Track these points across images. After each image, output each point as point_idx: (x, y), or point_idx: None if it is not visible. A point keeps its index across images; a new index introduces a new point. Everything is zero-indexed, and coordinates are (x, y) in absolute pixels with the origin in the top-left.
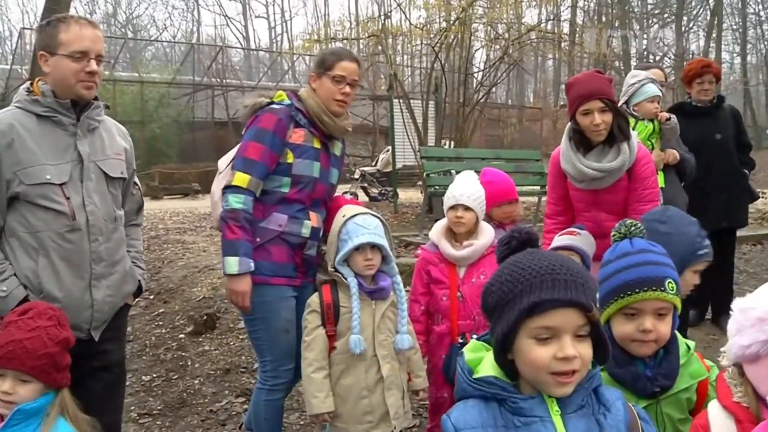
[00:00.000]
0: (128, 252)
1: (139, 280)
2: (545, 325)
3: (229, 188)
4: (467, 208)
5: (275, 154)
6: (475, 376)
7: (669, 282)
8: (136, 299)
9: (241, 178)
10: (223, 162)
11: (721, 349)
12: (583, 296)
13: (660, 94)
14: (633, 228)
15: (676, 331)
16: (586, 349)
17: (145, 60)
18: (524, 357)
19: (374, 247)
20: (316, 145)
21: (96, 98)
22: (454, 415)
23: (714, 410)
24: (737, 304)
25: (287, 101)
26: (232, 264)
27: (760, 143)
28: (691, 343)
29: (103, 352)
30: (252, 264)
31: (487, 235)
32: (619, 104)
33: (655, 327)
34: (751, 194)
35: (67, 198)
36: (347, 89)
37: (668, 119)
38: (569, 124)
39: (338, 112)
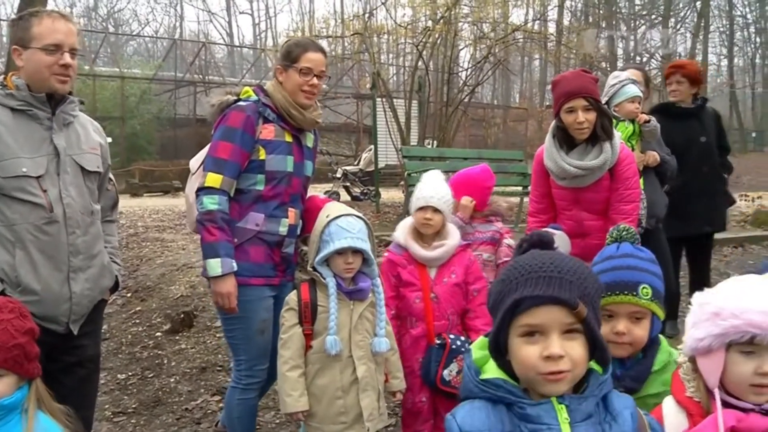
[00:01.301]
0: (105, 248)
1: (116, 276)
2: (529, 323)
3: (202, 190)
4: (436, 210)
5: (246, 151)
6: (483, 377)
7: (643, 287)
8: (113, 295)
9: (214, 179)
10: (195, 162)
11: (679, 346)
12: (566, 293)
13: (640, 94)
14: (624, 233)
15: (663, 338)
16: (576, 348)
17: (127, 55)
18: (515, 356)
19: (356, 250)
20: (288, 139)
21: (71, 93)
22: (460, 416)
23: (668, 405)
24: (696, 298)
25: (254, 97)
26: (215, 266)
27: (746, 146)
28: (675, 354)
29: (79, 346)
30: (234, 264)
31: (455, 235)
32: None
33: (629, 330)
34: (729, 198)
35: (44, 191)
36: (314, 81)
37: (648, 121)
38: (554, 121)
39: (306, 105)
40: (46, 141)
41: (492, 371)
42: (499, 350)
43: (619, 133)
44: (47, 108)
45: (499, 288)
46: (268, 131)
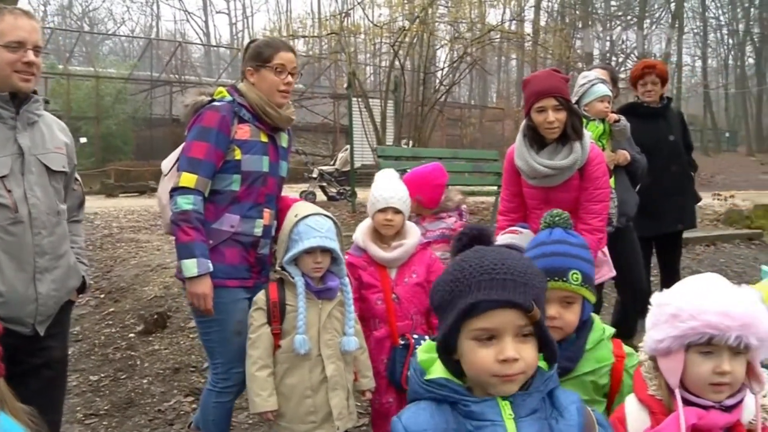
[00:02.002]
0: (72, 248)
1: (83, 277)
2: (484, 326)
3: (176, 190)
4: (397, 211)
5: (221, 151)
6: (427, 377)
7: (574, 273)
8: (85, 296)
9: (188, 179)
10: (167, 164)
11: (639, 344)
12: (522, 296)
13: (610, 94)
14: (557, 218)
15: (596, 317)
16: (528, 351)
17: (102, 54)
18: (467, 358)
19: (324, 250)
20: (263, 139)
21: (35, 92)
22: (405, 417)
23: (630, 403)
24: (655, 299)
25: (228, 97)
26: (190, 267)
27: (719, 146)
28: (611, 330)
29: (45, 348)
30: (210, 264)
31: (414, 233)
32: None
33: (560, 315)
34: (696, 196)
35: (9, 191)
36: (289, 78)
37: (617, 121)
38: (524, 120)
39: (281, 103)
40: (10, 140)
41: (437, 372)
42: (448, 351)
43: (590, 133)
44: (11, 107)
45: (448, 288)
46: (243, 131)
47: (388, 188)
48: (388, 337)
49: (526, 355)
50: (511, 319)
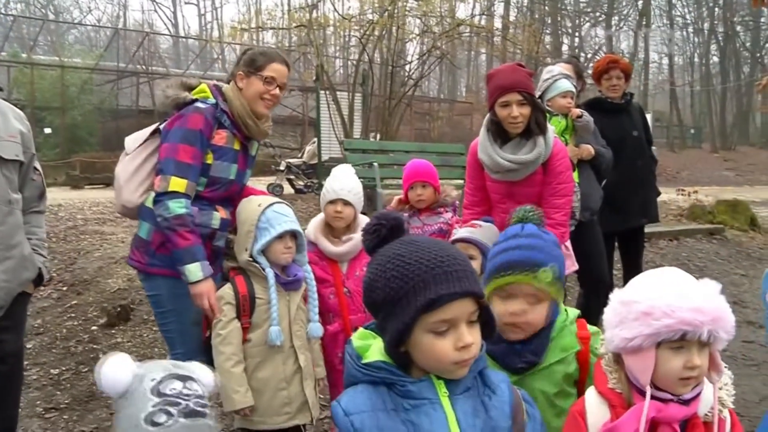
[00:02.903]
0: (29, 239)
1: (40, 268)
2: (443, 318)
3: (166, 194)
4: (346, 203)
5: (204, 154)
6: (364, 361)
7: (544, 270)
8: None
9: (179, 184)
10: (132, 143)
11: (600, 338)
12: (476, 285)
13: (573, 90)
14: (530, 213)
15: (565, 308)
16: (477, 334)
17: (68, 44)
18: (424, 350)
19: (292, 235)
20: (236, 146)
21: None
22: (344, 401)
23: (590, 397)
24: (617, 295)
25: (211, 99)
26: (195, 271)
27: (685, 142)
28: (574, 313)
29: None
30: (209, 266)
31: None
32: None
33: (524, 312)
34: (657, 190)
35: None
36: (276, 91)
37: (580, 116)
38: (488, 115)
39: (262, 114)
40: None
41: (373, 356)
42: (399, 343)
43: (553, 128)
44: None
45: (396, 284)
46: (220, 137)
47: (340, 180)
48: (342, 331)
49: (477, 338)
50: (466, 308)
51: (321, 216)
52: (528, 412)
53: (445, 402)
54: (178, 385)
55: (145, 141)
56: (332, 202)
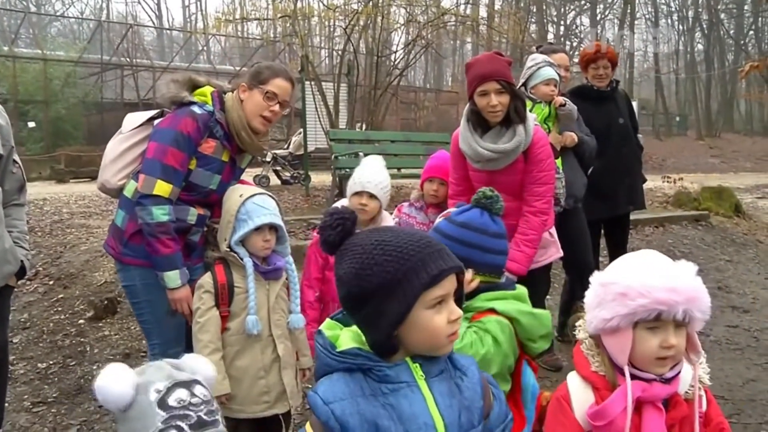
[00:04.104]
0: (10, 232)
1: (22, 261)
2: (439, 294)
3: (150, 198)
4: (372, 196)
5: (190, 159)
6: (339, 349)
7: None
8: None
9: (164, 188)
10: (129, 123)
11: (577, 323)
12: (458, 262)
13: (556, 77)
14: (488, 201)
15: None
16: (458, 309)
17: (50, 36)
18: (422, 327)
19: (272, 227)
20: (224, 158)
21: None
22: (322, 390)
23: (573, 381)
24: (597, 278)
25: (209, 106)
26: (174, 278)
27: (670, 130)
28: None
29: None
30: (187, 271)
31: (388, 222)
32: (518, 86)
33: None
34: (643, 177)
35: None
36: (276, 108)
37: (563, 104)
38: (468, 105)
39: (259, 130)
40: None
41: (346, 344)
42: (396, 325)
43: (534, 116)
44: None
45: (390, 268)
46: (208, 146)
47: (367, 173)
48: None
49: (459, 312)
50: (452, 283)
51: (344, 202)
52: (494, 393)
53: (422, 384)
54: (183, 395)
55: (140, 125)
56: (357, 194)
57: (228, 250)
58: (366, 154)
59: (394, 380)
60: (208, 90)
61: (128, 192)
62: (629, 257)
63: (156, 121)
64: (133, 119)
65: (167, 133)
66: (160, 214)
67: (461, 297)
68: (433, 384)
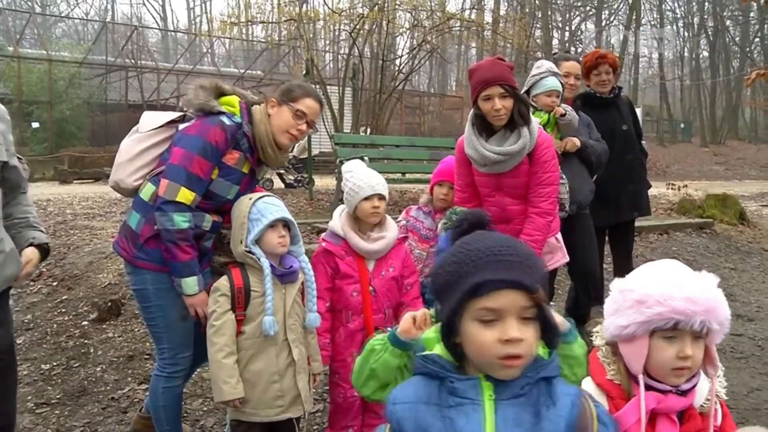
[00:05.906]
0: (26, 219)
1: (47, 243)
2: (488, 306)
3: (172, 204)
4: (381, 197)
5: (214, 170)
6: (423, 353)
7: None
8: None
9: (187, 196)
10: (147, 122)
11: (594, 329)
12: (528, 278)
13: (558, 88)
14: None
15: None
16: (531, 333)
17: (55, 37)
18: (469, 339)
19: (284, 225)
20: (245, 170)
21: None
22: (397, 390)
23: (587, 388)
24: (616, 285)
25: (238, 118)
26: (192, 284)
27: (675, 137)
28: None
29: None
30: (203, 278)
31: (393, 227)
32: (521, 92)
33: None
34: (648, 183)
35: None
36: (303, 127)
37: (564, 114)
38: (472, 109)
39: (285, 146)
40: None
41: (435, 349)
42: (451, 332)
43: (537, 119)
44: None
45: (452, 269)
46: (232, 157)
47: (370, 175)
48: (361, 330)
49: (529, 336)
50: (515, 300)
51: (344, 209)
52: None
53: (488, 405)
54: None
55: (160, 127)
56: (368, 198)
57: (245, 251)
58: (371, 159)
59: (460, 395)
60: (235, 100)
61: (145, 195)
62: (651, 265)
63: (180, 126)
64: (151, 119)
65: (196, 141)
66: (181, 221)
67: (545, 322)
68: (502, 407)
